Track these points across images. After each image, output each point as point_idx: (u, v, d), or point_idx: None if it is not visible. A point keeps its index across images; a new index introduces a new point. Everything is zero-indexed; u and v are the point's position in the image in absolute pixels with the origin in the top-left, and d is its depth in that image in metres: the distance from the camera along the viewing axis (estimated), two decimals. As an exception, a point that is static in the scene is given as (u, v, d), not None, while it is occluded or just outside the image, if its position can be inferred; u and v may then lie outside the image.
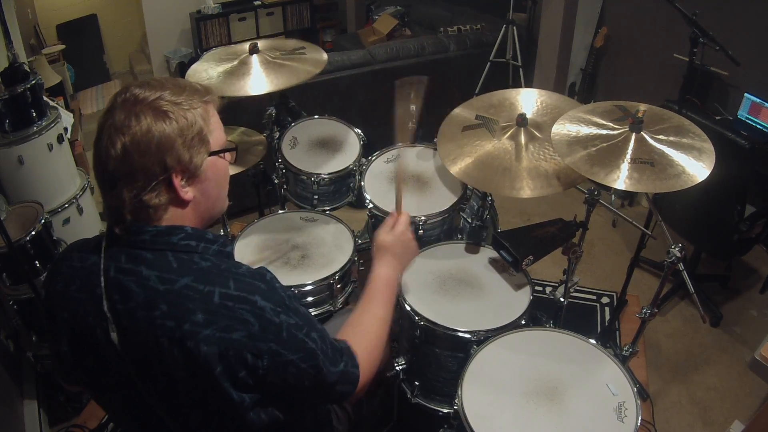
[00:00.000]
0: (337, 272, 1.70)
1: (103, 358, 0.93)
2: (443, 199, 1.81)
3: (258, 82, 1.83)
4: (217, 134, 0.96)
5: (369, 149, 2.08)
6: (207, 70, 1.91)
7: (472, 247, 1.73)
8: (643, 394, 2.17)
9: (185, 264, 0.90)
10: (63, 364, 0.99)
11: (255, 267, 0.97)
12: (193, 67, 1.94)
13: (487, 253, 1.71)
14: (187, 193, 0.92)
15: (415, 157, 2.01)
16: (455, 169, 1.62)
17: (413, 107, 1.50)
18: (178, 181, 0.90)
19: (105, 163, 0.87)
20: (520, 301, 1.54)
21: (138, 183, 0.87)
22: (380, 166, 1.99)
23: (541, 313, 1.75)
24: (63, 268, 0.97)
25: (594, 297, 2.70)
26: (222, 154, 0.97)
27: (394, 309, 1.22)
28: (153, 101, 0.87)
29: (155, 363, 0.89)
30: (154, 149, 0.86)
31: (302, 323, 0.94)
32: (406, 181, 1.91)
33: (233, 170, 1.88)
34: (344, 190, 2.07)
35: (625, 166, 1.35)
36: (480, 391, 1.30)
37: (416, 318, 1.49)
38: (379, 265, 1.27)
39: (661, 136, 1.42)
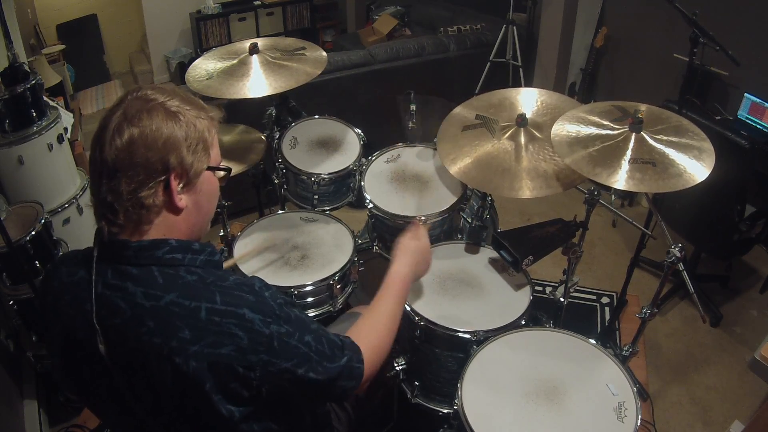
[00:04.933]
0: (336, 272, 1.70)
1: (94, 372, 0.93)
2: (443, 199, 1.81)
3: (258, 84, 1.83)
4: (216, 152, 0.98)
5: (369, 149, 2.07)
6: (207, 67, 1.91)
7: (472, 247, 1.73)
8: (643, 394, 2.17)
9: (171, 279, 0.89)
10: (62, 377, 0.99)
11: (248, 275, 0.97)
12: (194, 63, 1.94)
13: (487, 253, 1.71)
14: (182, 200, 0.92)
15: (415, 157, 2.01)
16: (455, 169, 1.62)
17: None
18: (175, 185, 0.90)
19: (107, 153, 0.86)
20: (520, 301, 1.54)
21: (138, 178, 0.86)
22: (380, 166, 1.99)
23: (541, 313, 1.75)
24: (53, 283, 0.96)
25: (594, 297, 2.70)
26: (215, 173, 0.99)
27: (403, 308, 1.25)
28: (165, 102, 0.89)
29: (144, 379, 0.88)
30: (160, 146, 0.87)
31: (294, 330, 0.93)
32: (406, 181, 1.91)
33: (233, 171, 1.88)
34: (344, 190, 2.07)
35: (626, 166, 1.35)
36: (480, 391, 1.30)
37: (416, 318, 1.49)
38: (398, 263, 1.29)
39: (661, 136, 1.42)
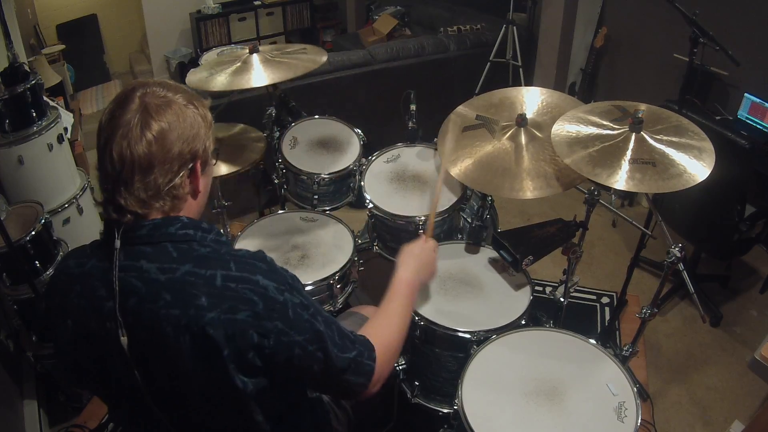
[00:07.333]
0: (336, 272, 1.70)
1: (108, 363, 0.93)
2: (443, 199, 1.81)
3: (258, 75, 1.83)
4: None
5: (369, 149, 2.08)
6: (207, 68, 1.91)
7: (472, 247, 1.73)
8: (643, 394, 2.17)
9: (185, 252, 0.91)
10: (69, 372, 1.00)
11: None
12: (193, 71, 1.95)
13: (487, 253, 1.71)
14: (201, 183, 0.95)
15: (415, 157, 2.01)
16: (455, 170, 1.62)
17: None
18: (199, 170, 0.94)
19: (137, 149, 0.85)
20: (520, 301, 1.54)
21: (173, 169, 0.89)
22: (380, 166, 1.99)
23: (541, 313, 1.75)
24: (61, 278, 0.97)
25: (594, 297, 2.70)
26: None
27: (411, 312, 1.25)
28: (175, 96, 0.92)
29: (159, 358, 0.89)
30: (188, 134, 0.90)
31: (308, 303, 0.95)
32: (406, 181, 1.91)
33: (234, 170, 1.89)
34: (344, 190, 2.07)
35: (626, 167, 1.35)
36: (480, 391, 1.30)
37: (416, 318, 1.49)
38: (403, 269, 1.30)
39: (661, 136, 1.41)
